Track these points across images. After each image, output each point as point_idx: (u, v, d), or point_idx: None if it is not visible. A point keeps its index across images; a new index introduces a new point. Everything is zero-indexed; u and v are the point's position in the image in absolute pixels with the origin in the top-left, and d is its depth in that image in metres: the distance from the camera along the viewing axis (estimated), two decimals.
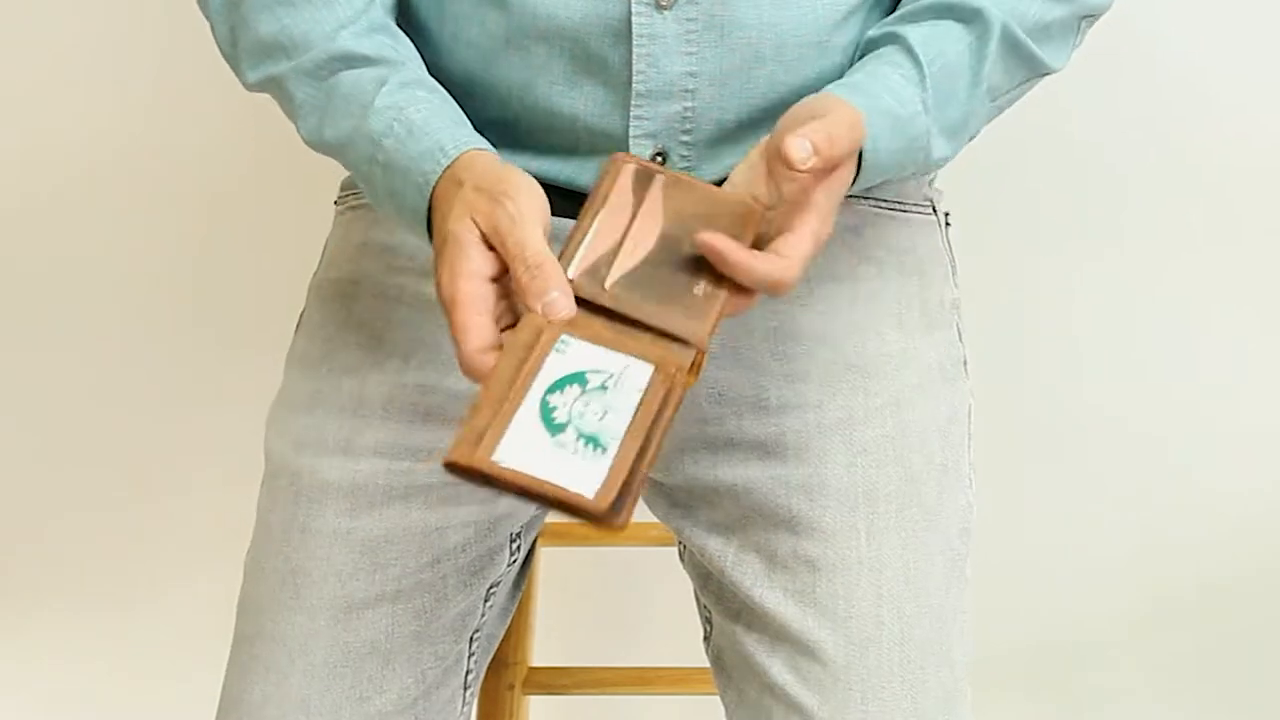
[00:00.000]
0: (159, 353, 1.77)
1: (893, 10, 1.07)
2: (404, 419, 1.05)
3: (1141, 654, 1.79)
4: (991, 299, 1.64)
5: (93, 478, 1.80)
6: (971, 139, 1.02)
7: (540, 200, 0.89)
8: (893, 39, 0.99)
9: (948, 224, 1.18)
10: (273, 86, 1.01)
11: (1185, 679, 1.79)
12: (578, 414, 0.81)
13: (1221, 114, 1.66)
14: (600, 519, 0.78)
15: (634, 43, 1.00)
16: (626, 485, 0.80)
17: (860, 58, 1.01)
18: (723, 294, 0.88)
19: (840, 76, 1.04)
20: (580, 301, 0.86)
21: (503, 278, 0.88)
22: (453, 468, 0.78)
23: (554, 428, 0.81)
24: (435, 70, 1.06)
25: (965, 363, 1.11)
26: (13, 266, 1.75)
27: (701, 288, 0.88)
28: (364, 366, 1.07)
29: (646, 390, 0.83)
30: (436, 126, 0.95)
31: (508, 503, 1.09)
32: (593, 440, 0.81)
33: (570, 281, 0.86)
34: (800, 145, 0.87)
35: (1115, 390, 1.74)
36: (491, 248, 0.88)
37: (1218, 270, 1.71)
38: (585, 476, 0.79)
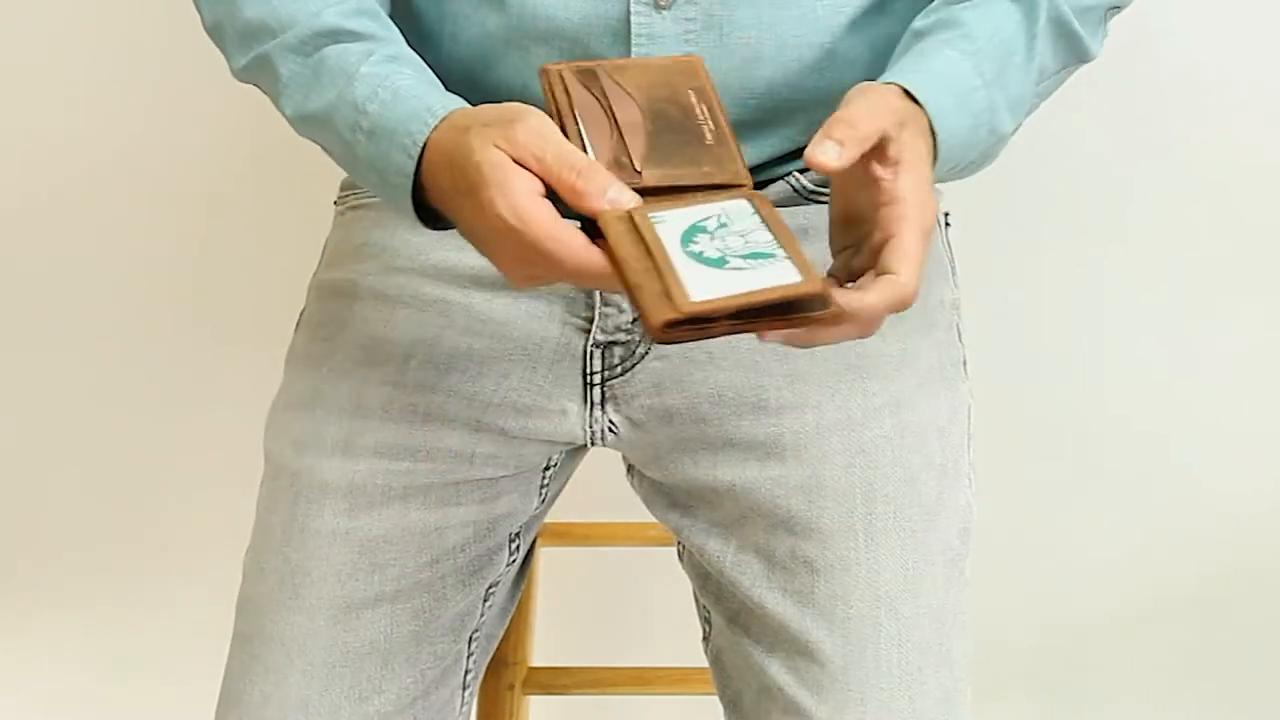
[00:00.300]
0: (159, 352, 1.77)
1: (901, 13, 1.06)
2: (403, 419, 1.05)
3: (1142, 654, 1.79)
4: (991, 299, 1.64)
5: (92, 477, 1.80)
6: (1019, 127, 1.00)
7: (549, 122, 0.87)
8: (943, 23, 0.97)
9: (948, 224, 1.18)
10: (259, 67, 1.00)
11: (1185, 679, 1.79)
12: (727, 248, 0.82)
13: (1221, 112, 1.66)
14: (823, 297, 0.80)
15: (633, 43, 1.00)
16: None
17: (918, 37, 0.98)
18: (727, 129, 0.90)
19: (844, 78, 1.04)
20: None
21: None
22: (668, 327, 0.79)
23: (717, 263, 0.81)
24: (434, 70, 1.05)
25: (965, 363, 1.11)
26: (12, 266, 1.75)
27: (709, 136, 0.90)
28: (364, 367, 1.07)
29: (757, 210, 0.85)
30: (423, 91, 0.93)
31: (507, 503, 1.09)
32: (758, 256, 0.82)
33: None
34: (823, 150, 0.84)
35: (1115, 390, 1.74)
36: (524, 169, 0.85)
37: (1217, 269, 1.70)
38: (781, 275, 0.80)
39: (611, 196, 0.83)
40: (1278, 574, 1.77)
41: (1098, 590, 1.79)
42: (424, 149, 0.90)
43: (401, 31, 1.06)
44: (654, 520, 1.12)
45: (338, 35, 0.97)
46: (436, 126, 0.90)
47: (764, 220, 0.84)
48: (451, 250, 1.06)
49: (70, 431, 1.79)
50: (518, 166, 0.85)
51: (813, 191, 1.07)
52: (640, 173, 0.88)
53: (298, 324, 1.15)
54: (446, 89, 1.03)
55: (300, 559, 1.03)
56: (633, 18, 1.00)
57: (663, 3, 0.99)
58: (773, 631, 1.00)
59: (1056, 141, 1.61)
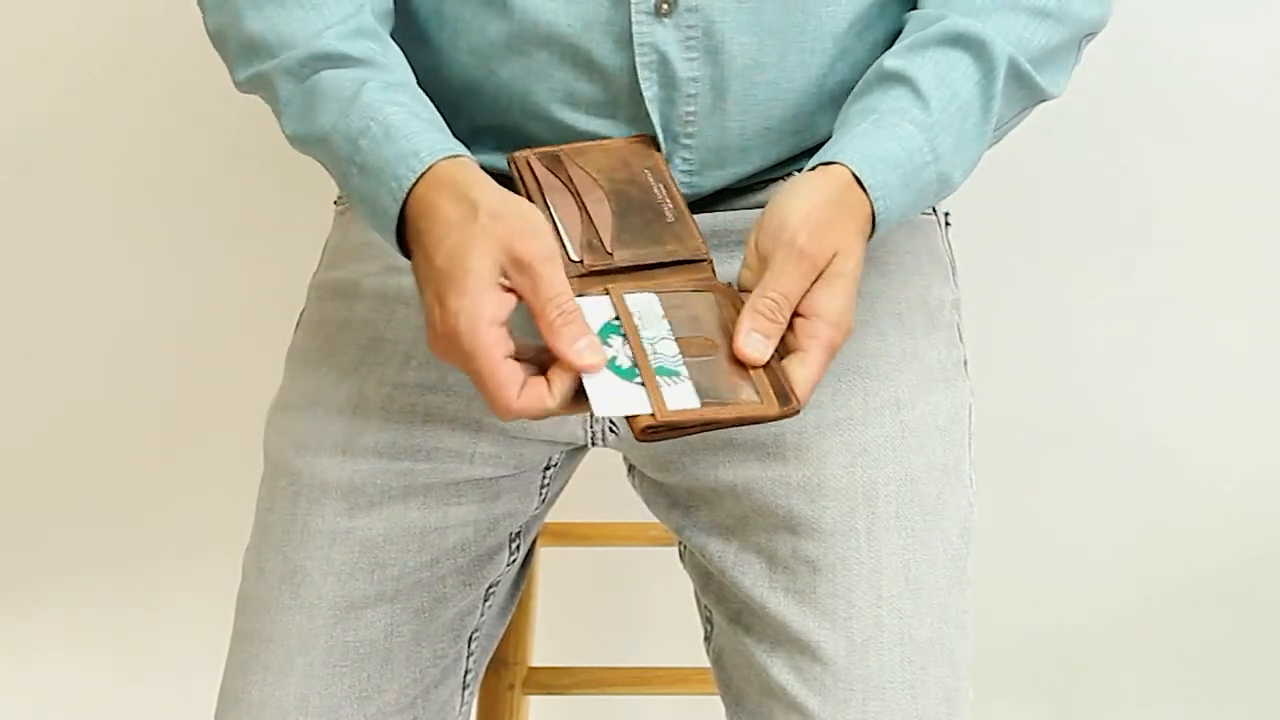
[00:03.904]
0: (159, 352, 1.77)
1: (900, 15, 1.06)
2: (403, 419, 1.05)
3: (1141, 654, 1.79)
4: (991, 299, 1.64)
5: (92, 477, 1.80)
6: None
7: (550, 230, 0.91)
8: (901, 79, 0.97)
9: (948, 224, 1.18)
10: (259, 84, 1.00)
11: (1185, 679, 1.79)
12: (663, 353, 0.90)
13: (1225, 110, 1.66)
14: (781, 416, 0.88)
15: (636, 49, 1.00)
16: (772, 378, 0.89)
17: (870, 88, 0.99)
18: (684, 205, 0.98)
19: (846, 80, 1.04)
20: (598, 273, 0.94)
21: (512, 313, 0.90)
22: (650, 430, 0.86)
23: (627, 374, 0.88)
24: (434, 76, 1.06)
25: (965, 363, 1.11)
26: (12, 265, 1.75)
27: (669, 214, 0.98)
28: (363, 366, 1.07)
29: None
30: (414, 130, 0.94)
31: (507, 503, 1.09)
32: (665, 373, 0.89)
33: (580, 263, 0.94)
34: (750, 344, 0.89)
35: (1115, 390, 1.74)
36: (509, 290, 0.89)
37: (1217, 269, 1.70)
38: (742, 390, 0.88)
39: (580, 347, 0.87)
40: (1276, 575, 1.77)
41: (1098, 590, 1.79)
42: (409, 194, 0.92)
43: (403, 37, 1.06)
44: (654, 520, 1.12)
45: (335, 60, 0.97)
46: (426, 175, 0.92)
47: (671, 326, 0.91)
48: None
49: (70, 430, 1.79)
50: (500, 287, 0.88)
51: None
52: (611, 254, 0.94)
53: (298, 324, 1.15)
54: (448, 95, 1.03)
55: (300, 559, 1.03)
56: (634, 25, 0.99)
57: (664, 9, 0.99)
58: (774, 631, 1.00)
59: (1056, 141, 1.61)
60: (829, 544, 1.00)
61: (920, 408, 1.05)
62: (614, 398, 0.87)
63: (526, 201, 0.92)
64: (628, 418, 0.87)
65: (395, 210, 0.93)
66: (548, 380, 0.88)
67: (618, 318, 0.91)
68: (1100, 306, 1.72)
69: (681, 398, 0.87)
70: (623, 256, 0.94)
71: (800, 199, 0.92)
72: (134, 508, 1.80)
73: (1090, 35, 1.04)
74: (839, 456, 1.01)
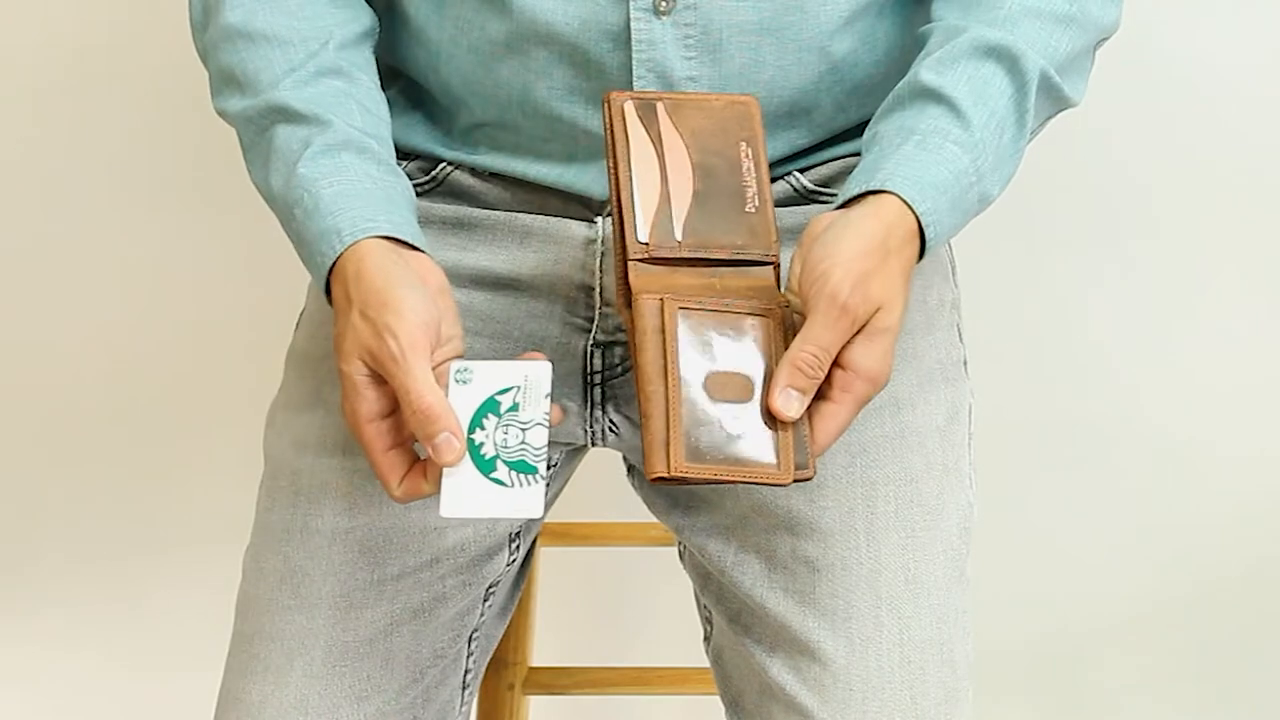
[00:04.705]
0: (158, 352, 1.77)
1: (902, 14, 1.06)
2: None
3: (1142, 654, 1.79)
4: (992, 299, 1.64)
5: (92, 476, 1.79)
6: None
7: (424, 315, 0.91)
8: (938, 96, 0.95)
9: None
10: (229, 120, 1.03)
11: (1185, 679, 1.79)
12: (504, 442, 0.91)
13: (1220, 110, 1.66)
14: (796, 482, 0.88)
15: (633, 47, 1.00)
16: (794, 440, 0.88)
17: (903, 103, 0.97)
18: (768, 191, 0.94)
19: (846, 79, 1.04)
20: (662, 260, 0.92)
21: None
22: (661, 480, 0.86)
23: (486, 466, 0.90)
24: (434, 74, 1.06)
25: (965, 363, 1.11)
26: (12, 265, 1.75)
27: (750, 201, 0.94)
28: None
29: (762, 340, 0.91)
30: (340, 207, 0.96)
31: None
32: (519, 468, 0.90)
33: (645, 244, 0.92)
34: (783, 401, 0.88)
35: (1116, 390, 1.74)
36: (382, 380, 0.92)
37: (1217, 268, 1.70)
38: (762, 449, 0.87)
39: (439, 443, 0.89)
40: (1276, 574, 1.77)
41: (1097, 590, 1.79)
42: (330, 272, 0.95)
43: (402, 37, 1.06)
44: (654, 520, 1.12)
45: (288, 115, 0.99)
46: (346, 253, 0.94)
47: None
48: (451, 250, 1.07)
49: (70, 430, 1.79)
50: (371, 384, 0.92)
51: (813, 192, 1.07)
52: (679, 241, 0.92)
53: (298, 323, 1.15)
54: (448, 94, 1.04)
55: (300, 558, 1.03)
56: (633, 23, 0.99)
57: (663, 8, 0.99)
58: (774, 631, 1.00)
59: (1057, 142, 1.61)
60: (828, 544, 1.00)
61: (920, 407, 1.05)
62: (464, 497, 0.89)
63: (402, 293, 0.92)
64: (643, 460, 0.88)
65: (323, 283, 0.96)
66: (425, 468, 0.92)
67: (500, 394, 0.92)
68: (1100, 306, 1.72)
69: (533, 500, 0.89)
70: (689, 245, 0.92)
71: (846, 244, 0.90)
72: (134, 508, 1.80)
73: (1103, 40, 1.04)
74: (838, 456, 1.01)
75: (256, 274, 1.72)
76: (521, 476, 0.90)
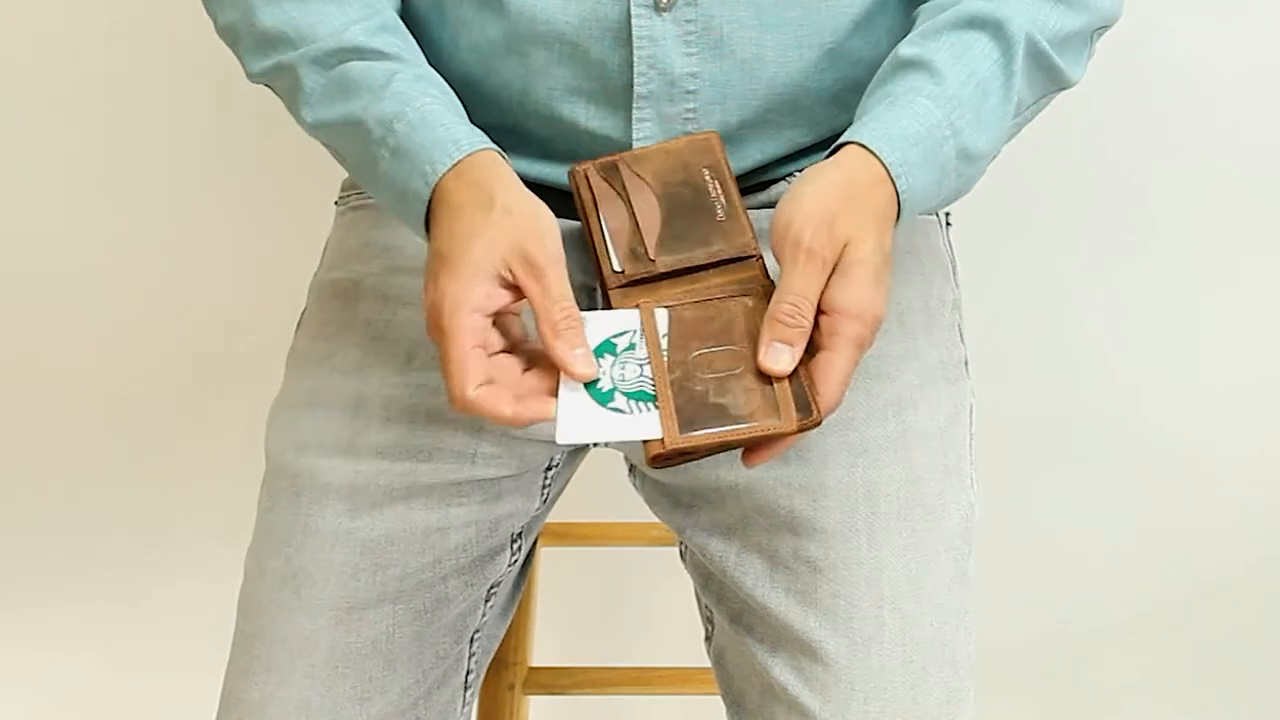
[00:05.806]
0: (159, 352, 1.77)
1: (903, 10, 1.06)
2: (405, 419, 1.05)
3: (1142, 653, 1.79)
4: (992, 299, 1.64)
5: (93, 476, 1.80)
6: (994, 158, 1.01)
7: (559, 235, 0.91)
8: (919, 64, 0.97)
9: (948, 224, 1.18)
10: (278, 74, 1.01)
11: (1185, 678, 1.79)
12: (623, 377, 0.91)
13: (1219, 110, 1.66)
14: (801, 431, 0.88)
15: (634, 45, 1.00)
16: (797, 390, 0.89)
17: (885, 78, 0.98)
18: (738, 202, 0.97)
19: (847, 76, 1.04)
20: (639, 281, 0.95)
21: (503, 313, 0.91)
22: (660, 458, 0.88)
23: (603, 398, 0.90)
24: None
25: (966, 363, 1.11)
26: (12, 265, 1.75)
27: (720, 211, 0.97)
28: (365, 367, 1.07)
29: (747, 314, 0.92)
30: (451, 120, 0.95)
31: (508, 503, 1.09)
32: (638, 397, 0.90)
33: (620, 273, 0.95)
34: (772, 357, 0.89)
35: (1116, 390, 1.74)
36: (508, 285, 0.90)
37: (1216, 267, 1.71)
38: (761, 407, 0.89)
39: (576, 355, 0.89)
40: (1276, 574, 1.77)
41: (1097, 590, 1.79)
42: (440, 180, 0.93)
43: None
44: (654, 520, 1.12)
45: (363, 53, 0.99)
46: (458, 165, 0.93)
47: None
48: None
49: (70, 430, 1.79)
50: (498, 279, 0.90)
51: None
52: (654, 260, 0.95)
53: (299, 324, 1.15)
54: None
55: (302, 559, 1.03)
56: (633, 20, 1.00)
57: (663, 5, 0.99)
58: (776, 631, 1.00)
59: (1056, 141, 1.61)
60: (830, 544, 1.00)
61: (921, 408, 1.05)
62: (582, 423, 0.89)
63: (543, 204, 0.93)
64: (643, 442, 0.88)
65: (427, 194, 0.94)
66: (522, 394, 0.90)
67: (615, 336, 0.92)
68: (1100, 305, 1.72)
69: (652, 423, 0.89)
70: (665, 262, 0.95)
71: (805, 196, 0.91)
72: (135, 508, 1.80)
73: (1103, 28, 1.04)
74: (840, 457, 1.01)
75: (257, 275, 1.73)
76: (640, 404, 0.90)
